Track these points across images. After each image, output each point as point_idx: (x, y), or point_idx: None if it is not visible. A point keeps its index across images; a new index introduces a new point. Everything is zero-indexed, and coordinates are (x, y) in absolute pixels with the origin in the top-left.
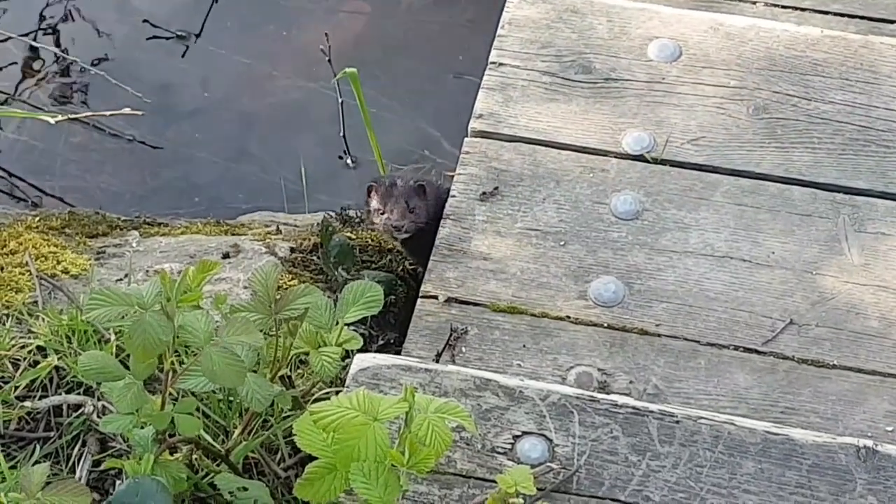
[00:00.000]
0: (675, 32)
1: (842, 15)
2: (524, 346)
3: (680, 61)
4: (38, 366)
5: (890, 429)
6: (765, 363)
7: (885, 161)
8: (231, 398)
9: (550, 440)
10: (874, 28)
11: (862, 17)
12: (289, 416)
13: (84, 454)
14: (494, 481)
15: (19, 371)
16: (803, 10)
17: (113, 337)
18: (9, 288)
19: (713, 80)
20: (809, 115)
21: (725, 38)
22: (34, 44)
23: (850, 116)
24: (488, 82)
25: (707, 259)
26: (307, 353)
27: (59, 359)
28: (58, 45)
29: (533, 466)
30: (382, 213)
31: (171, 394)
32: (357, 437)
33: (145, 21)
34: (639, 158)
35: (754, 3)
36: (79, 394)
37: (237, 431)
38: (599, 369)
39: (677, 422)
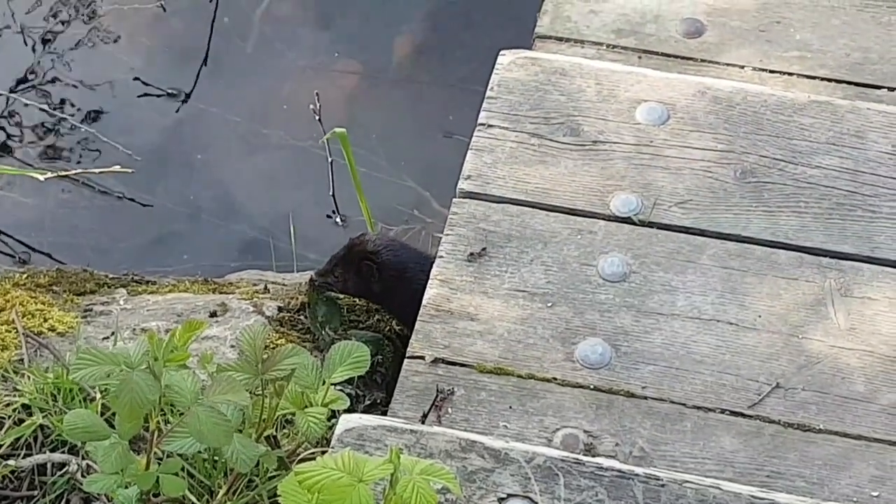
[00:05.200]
0: (664, 96)
1: (829, 80)
2: (510, 407)
3: (668, 125)
4: (23, 424)
5: (875, 494)
6: (751, 427)
7: (871, 226)
8: (216, 458)
9: (535, 503)
10: (861, 94)
11: (849, 83)
12: (274, 477)
13: None
14: None
15: (3, 429)
16: (791, 74)
17: (98, 396)
18: None
19: (701, 144)
20: (796, 180)
21: (713, 102)
22: (24, 100)
23: (837, 181)
24: (477, 143)
25: (694, 322)
26: (293, 413)
27: (44, 417)
28: (48, 101)
29: None
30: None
31: (156, 453)
32: (342, 498)
33: (136, 79)
34: (626, 221)
35: (742, 67)
36: (63, 452)
37: (222, 492)
38: (586, 431)
39: (662, 485)
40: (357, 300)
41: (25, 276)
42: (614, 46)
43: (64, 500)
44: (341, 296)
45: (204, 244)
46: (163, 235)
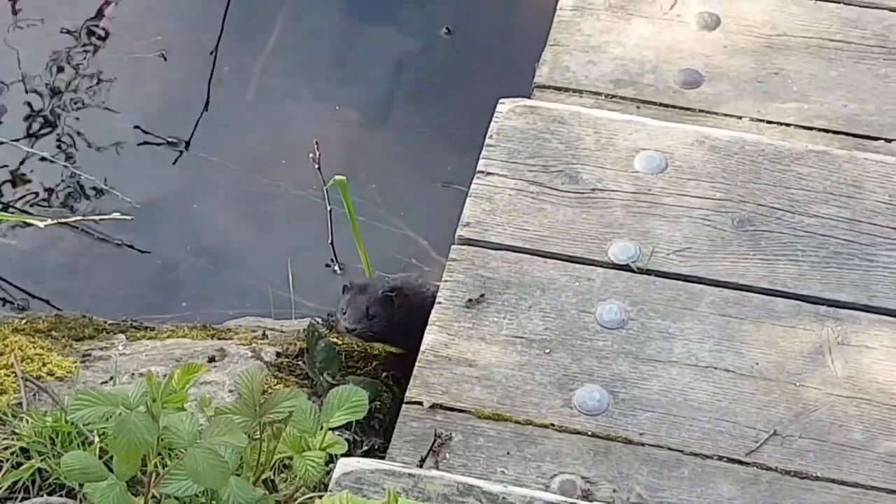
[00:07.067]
0: (662, 145)
1: (826, 131)
2: (508, 452)
3: (666, 173)
4: (21, 467)
5: None
6: (748, 474)
7: (868, 275)
8: (213, 501)
9: None
10: (858, 144)
11: (846, 134)
12: None
13: None
14: None
15: (2, 472)
16: (788, 125)
17: (97, 439)
18: None
19: (699, 192)
20: (794, 228)
21: (711, 152)
22: (24, 148)
23: (834, 230)
24: (476, 191)
25: (691, 369)
26: (291, 457)
27: (42, 461)
28: (48, 149)
29: None
30: (343, 314)
31: (153, 496)
32: None
33: (136, 127)
34: (624, 268)
35: (740, 118)
36: (61, 496)
37: None
38: (583, 477)
39: None
40: (358, 346)
41: (24, 321)
42: (613, 96)
43: None
44: (339, 342)
45: (202, 291)
46: (161, 282)
